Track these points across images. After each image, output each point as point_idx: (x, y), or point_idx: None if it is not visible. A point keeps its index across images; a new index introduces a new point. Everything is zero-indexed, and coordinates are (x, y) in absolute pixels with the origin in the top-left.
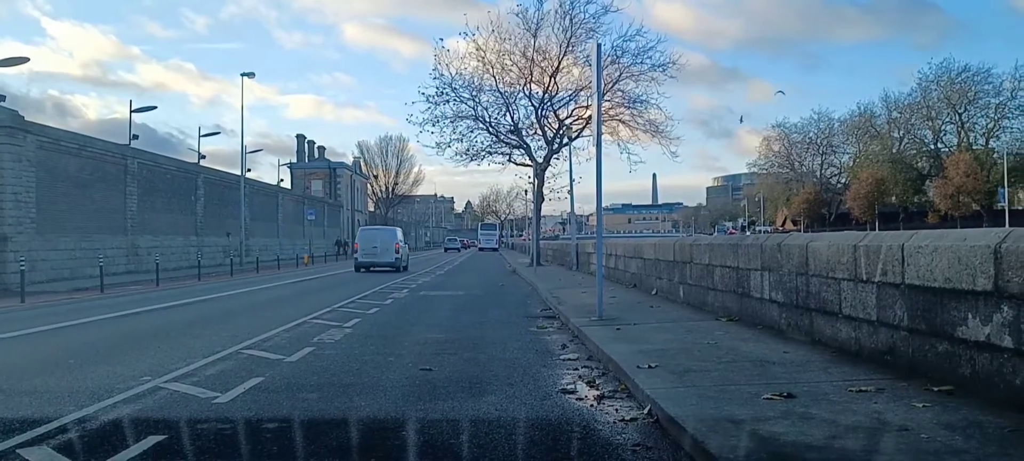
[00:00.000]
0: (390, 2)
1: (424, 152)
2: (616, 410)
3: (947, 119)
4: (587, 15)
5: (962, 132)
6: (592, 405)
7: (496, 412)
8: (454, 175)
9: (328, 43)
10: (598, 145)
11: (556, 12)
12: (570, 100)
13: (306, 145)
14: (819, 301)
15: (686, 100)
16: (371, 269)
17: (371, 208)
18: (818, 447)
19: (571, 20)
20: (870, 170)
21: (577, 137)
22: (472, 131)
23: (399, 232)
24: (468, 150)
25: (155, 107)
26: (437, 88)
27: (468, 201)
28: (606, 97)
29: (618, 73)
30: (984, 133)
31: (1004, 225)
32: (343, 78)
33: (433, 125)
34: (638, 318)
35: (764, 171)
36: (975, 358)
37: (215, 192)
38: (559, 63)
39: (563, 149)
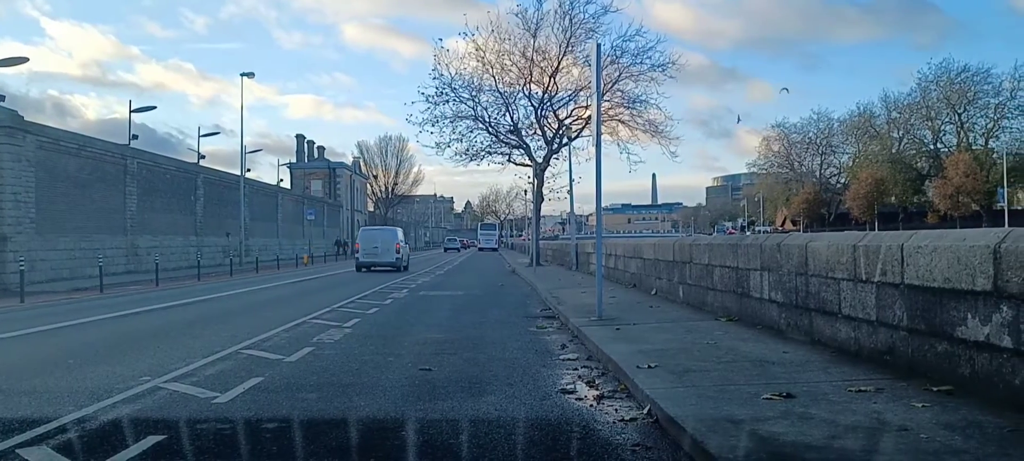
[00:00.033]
0: (389, 2)
1: (424, 152)
2: (616, 410)
3: (946, 119)
4: (587, 15)
5: (961, 132)
6: (592, 405)
7: (496, 412)
8: (454, 175)
9: (327, 43)
10: (597, 145)
11: (556, 12)
12: (570, 100)
13: (306, 145)
14: (818, 301)
15: (686, 100)
16: (372, 269)
17: (371, 208)
18: (817, 447)
19: (571, 20)
20: (869, 170)
21: (576, 137)
22: (472, 131)
23: (400, 232)
24: (468, 150)
25: (154, 107)
26: (437, 88)
27: (468, 201)
28: (605, 97)
29: (617, 73)
30: (983, 133)
31: (1003, 225)
32: (343, 78)
33: (433, 125)
34: (638, 318)
35: (764, 171)
36: (974, 358)
37: (215, 192)
38: (559, 63)
39: (563, 149)
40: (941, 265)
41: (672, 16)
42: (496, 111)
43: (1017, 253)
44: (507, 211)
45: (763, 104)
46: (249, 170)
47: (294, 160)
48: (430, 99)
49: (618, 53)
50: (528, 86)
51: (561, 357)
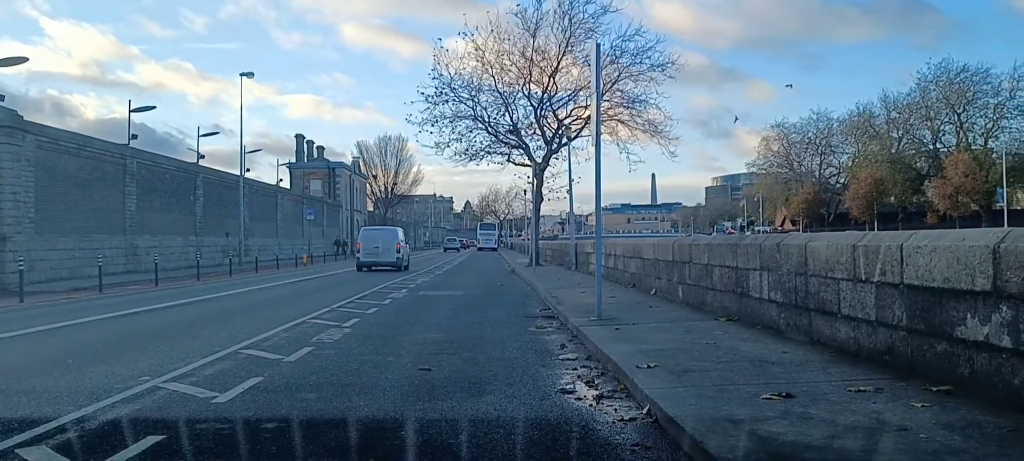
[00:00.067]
0: (389, 2)
1: (423, 152)
2: (615, 410)
3: (946, 119)
4: (586, 15)
5: (961, 132)
6: (591, 405)
7: (495, 412)
8: (453, 175)
9: (327, 43)
10: (597, 145)
11: (555, 12)
12: (569, 100)
13: (305, 145)
14: (818, 301)
15: (685, 100)
16: (372, 268)
17: (370, 208)
18: (817, 447)
19: (570, 20)
20: (869, 170)
21: (576, 137)
22: (471, 131)
23: (400, 232)
24: (467, 150)
25: (154, 107)
26: (436, 88)
27: (467, 201)
28: (605, 97)
29: (617, 73)
30: (983, 133)
31: (1003, 225)
32: (342, 78)
33: (432, 125)
34: (637, 318)
35: (763, 171)
36: (974, 358)
37: (214, 192)
38: (558, 63)
39: (562, 149)
40: (940, 265)
41: (671, 16)
42: (495, 111)
43: (1016, 253)
44: (506, 211)
45: (763, 104)
46: (248, 170)
47: (293, 160)
48: (429, 99)
49: (617, 53)
50: (527, 86)
51: (560, 357)
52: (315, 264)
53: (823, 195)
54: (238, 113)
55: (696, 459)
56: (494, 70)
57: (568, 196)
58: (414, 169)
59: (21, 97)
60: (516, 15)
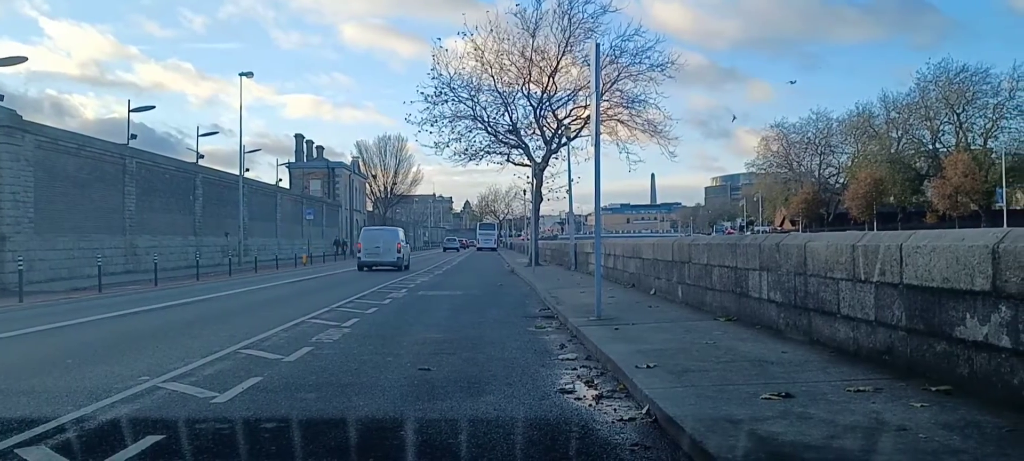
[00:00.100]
0: (388, 2)
1: (423, 152)
2: (615, 410)
3: (945, 119)
4: (585, 15)
5: (960, 132)
6: (591, 405)
7: (495, 412)
8: (453, 175)
9: (326, 43)
10: (596, 145)
11: (554, 12)
12: (569, 100)
13: (304, 145)
14: (817, 301)
15: (684, 100)
16: (373, 268)
17: (370, 208)
18: (816, 447)
19: (569, 20)
20: (868, 170)
21: (575, 137)
22: (470, 131)
23: (401, 232)
24: (466, 150)
25: (153, 107)
26: (435, 88)
27: (466, 201)
28: (604, 97)
29: (616, 73)
30: (982, 133)
31: (1002, 225)
32: (341, 78)
33: (431, 125)
34: (636, 318)
35: (762, 171)
36: (973, 358)
37: (213, 192)
38: (557, 63)
39: (561, 149)
40: (940, 265)
41: (671, 16)
42: (495, 111)
43: (1016, 253)
44: (506, 211)
45: (762, 104)
46: (248, 170)
47: (293, 160)
48: (429, 99)
49: (617, 53)
50: (527, 86)
51: (560, 357)
52: (314, 264)
53: (822, 195)
54: (237, 113)
55: (695, 459)
56: (493, 70)
57: (567, 196)
58: (413, 169)
59: (20, 97)
60: (515, 15)
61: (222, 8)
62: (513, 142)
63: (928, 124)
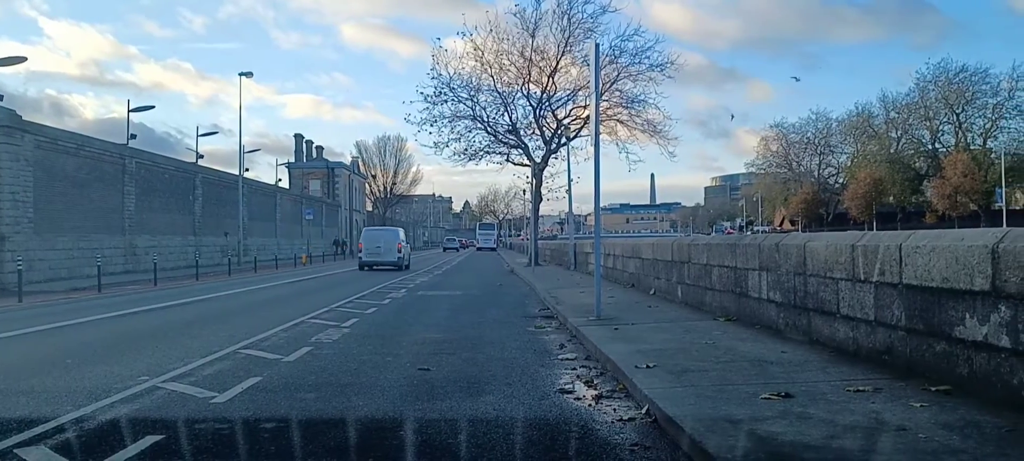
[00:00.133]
0: (388, 2)
1: (422, 152)
2: (614, 410)
3: (945, 119)
4: (585, 15)
5: (960, 132)
6: (590, 405)
7: (494, 412)
8: (452, 175)
9: (326, 43)
10: (596, 145)
11: (554, 12)
12: (568, 100)
13: (304, 145)
14: (817, 301)
15: (684, 100)
16: (374, 267)
17: (369, 208)
18: (816, 447)
19: (569, 20)
20: (868, 170)
21: (575, 137)
22: (470, 131)
23: (401, 232)
24: (466, 150)
25: (153, 107)
26: (435, 88)
27: (466, 201)
28: (604, 97)
29: (616, 73)
30: (982, 133)
31: (1001, 225)
32: (341, 78)
33: (431, 125)
34: (636, 318)
35: (762, 171)
36: (973, 358)
37: (213, 192)
38: (557, 63)
39: (561, 149)
40: (939, 265)
41: (670, 16)
42: (494, 111)
43: (1015, 253)
44: (506, 211)
45: (762, 104)
46: (247, 170)
47: (292, 160)
48: (429, 99)
49: (616, 53)
50: (526, 86)
51: (559, 357)
52: (314, 264)
53: (822, 195)
54: (237, 113)
55: (695, 459)
56: (493, 70)
57: (567, 196)
58: (413, 169)
59: (20, 97)
60: (515, 15)
61: (222, 8)
62: (513, 142)
63: (927, 124)
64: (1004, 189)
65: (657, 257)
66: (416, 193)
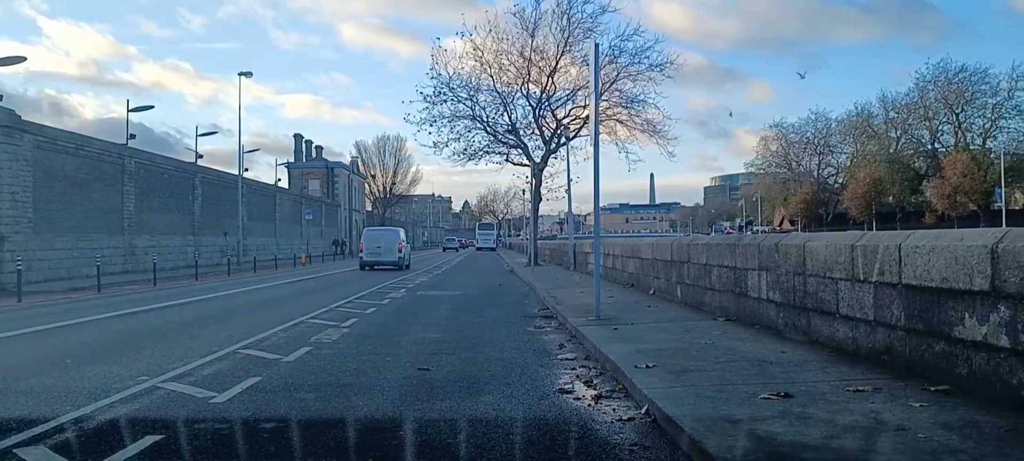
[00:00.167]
0: (387, 2)
1: (422, 151)
2: (614, 410)
3: (944, 119)
4: (585, 15)
5: (959, 132)
6: (590, 405)
7: (494, 412)
8: (452, 175)
9: (325, 43)
10: (595, 145)
11: (553, 12)
12: (568, 100)
13: (303, 145)
14: (816, 301)
15: (684, 100)
16: (375, 267)
17: (369, 208)
18: (815, 447)
19: (569, 20)
20: (867, 170)
21: (574, 137)
22: (470, 131)
23: (402, 232)
24: (466, 150)
25: (152, 107)
26: (434, 88)
27: (466, 201)
28: (604, 97)
29: (616, 73)
30: (981, 133)
31: (1001, 225)
32: (340, 78)
33: (430, 125)
34: (636, 318)
35: (762, 171)
36: (972, 358)
37: (212, 192)
38: (557, 63)
39: (560, 149)
40: (939, 265)
41: (670, 16)
42: (494, 111)
43: (1015, 253)
44: (505, 211)
45: (762, 104)
46: (247, 169)
47: (292, 160)
48: (428, 99)
49: (616, 53)
50: (526, 86)
51: (559, 357)
52: (314, 264)
53: (821, 195)
54: (236, 113)
55: (694, 459)
56: (492, 70)
57: (566, 196)
58: (412, 169)
59: (19, 97)
60: (514, 15)
61: (221, 8)
62: (512, 142)
63: (927, 124)
64: (1003, 189)
65: (656, 257)
66: (415, 193)
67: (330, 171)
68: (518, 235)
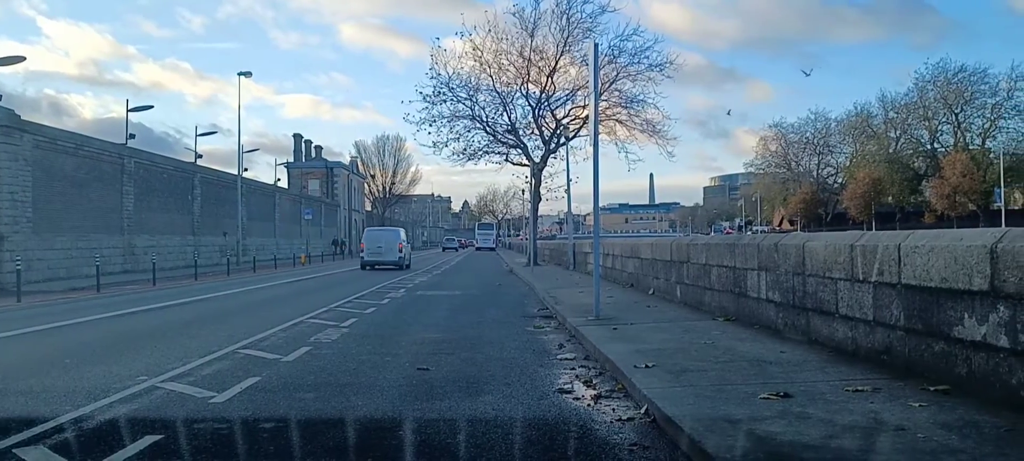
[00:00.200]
0: (387, 2)
1: (421, 151)
2: (613, 410)
3: (944, 119)
4: (584, 15)
5: (958, 132)
6: (589, 405)
7: (493, 412)
8: (451, 174)
9: (325, 43)
10: (595, 145)
11: (553, 12)
12: (567, 100)
13: (303, 145)
14: (816, 301)
15: (683, 100)
16: (376, 267)
17: (368, 208)
18: (815, 447)
19: (568, 19)
20: (867, 170)
21: (574, 137)
22: (469, 131)
23: (402, 233)
24: (465, 150)
25: (151, 107)
26: (434, 88)
27: (465, 201)
28: (603, 97)
29: (615, 73)
30: (980, 133)
31: (1000, 225)
32: (340, 78)
33: (430, 125)
34: (635, 318)
35: (761, 171)
36: (971, 358)
37: (212, 192)
38: (556, 63)
39: (560, 149)
40: (938, 265)
41: (669, 16)
42: (493, 111)
43: (1014, 253)
44: (505, 211)
45: (762, 104)
46: (246, 169)
47: (291, 159)
48: (427, 99)
49: (615, 53)
50: (525, 86)
51: (558, 357)
52: (313, 264)
53: (821, 195)
54: (236, 113)
55: (694, 459)
56: (492, 70)
57: (566, 196)
58: (412, 169)
59: (18, 96)
60: (514, 15)
61: (220, 8)
62: (512, 142)
63: (926, 124)
64: (1003, 189)
65: (656, 257)
66: (415, 193)
67: (329, 171)
68: (518, 235)
